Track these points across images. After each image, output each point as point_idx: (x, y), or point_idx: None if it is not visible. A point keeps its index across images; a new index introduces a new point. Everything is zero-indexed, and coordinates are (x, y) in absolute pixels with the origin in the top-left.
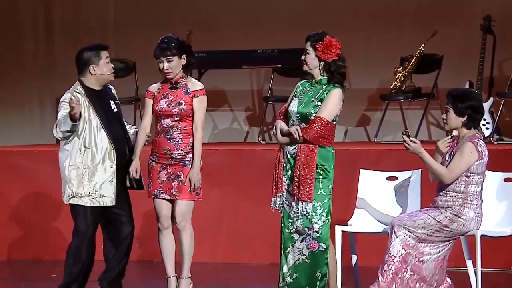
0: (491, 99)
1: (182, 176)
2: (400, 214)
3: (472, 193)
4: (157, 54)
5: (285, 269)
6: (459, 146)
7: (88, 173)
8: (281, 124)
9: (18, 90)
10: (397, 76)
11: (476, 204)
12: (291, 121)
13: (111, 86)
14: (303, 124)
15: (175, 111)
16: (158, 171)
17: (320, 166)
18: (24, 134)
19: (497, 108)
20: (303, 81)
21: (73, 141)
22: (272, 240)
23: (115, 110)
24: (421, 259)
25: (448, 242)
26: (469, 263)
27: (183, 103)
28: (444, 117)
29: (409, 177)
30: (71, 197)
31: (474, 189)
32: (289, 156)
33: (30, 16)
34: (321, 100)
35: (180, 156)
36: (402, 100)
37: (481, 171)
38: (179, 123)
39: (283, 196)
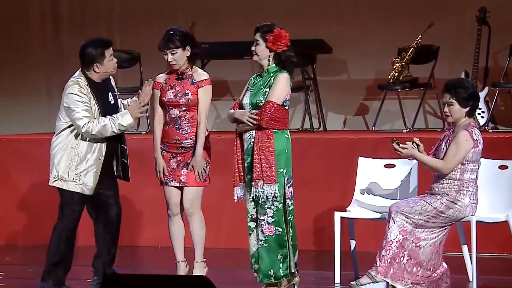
0: (486, 88)
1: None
2: (398, 200)
3: (468, 180)
4: (161, 46)
5: (250, 256)
6: (455, 134)
7: (77, 160)
8: (231, 111)
9: (26, 79)
10: (394, 66)
11: (472, 191)
12: None
13: (111, 77)
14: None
15: (182, 102)
16: (168, 159)
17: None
18: (32, 122)
19: (492, 98)
20: (255, 75)
21: (71, 126)
22: None
23: (112, 102)
24: (418, 244)
25: (444, 227)
26: (465, 248)
27: (189, 93)
28: (447, 111)
29: (407, 165)
30: (55, 180)
31: (470, 176)
32: (246, 145)
33: (37, 6)
34: (270, 87)
35: (189, 145)
36: (399, 90)
37: (476, 159)
38: (187, 113)
39: (244, 185)
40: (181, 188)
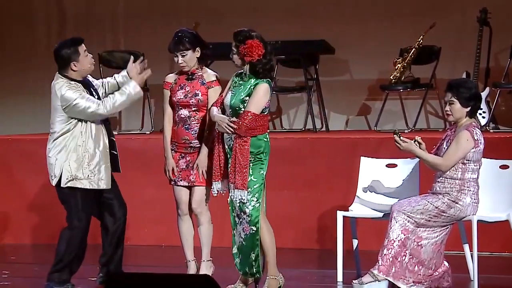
0: (487, 89)
1: None
2: (400, 200)
3: (469, 179)
4: (171, 48)
5: (234, 250)
6: (456, 133)
7: (87, 156)
8: (214, 113)
9: (26, 79)
10: (396, 67)
11: (473, 191)
12: (226, 114)
13: (89, 75)
14: (234, 118)
15: (192, 102)
16: (177, 159)
17: (250, 153)
18: (33, 123)
19: (493, 98)
20: (237, 72)
21: (75, 126)
22: (276, 225)
23: (96, 97)
24: (419, 244)
25: (446, 227)
26: (466, 247)
27: (199, 94)
28: (448, 109)
29: (408, 164)
30: (69, 180)
31: (471, 176)
32: (226, 147)
33: (42, 6)
34: (249, 95)
35: (198, 145)
36: (401, 90)
37: (477, 159)
38: (196, 113)
39: (226, 182)
40: (190, 188)
